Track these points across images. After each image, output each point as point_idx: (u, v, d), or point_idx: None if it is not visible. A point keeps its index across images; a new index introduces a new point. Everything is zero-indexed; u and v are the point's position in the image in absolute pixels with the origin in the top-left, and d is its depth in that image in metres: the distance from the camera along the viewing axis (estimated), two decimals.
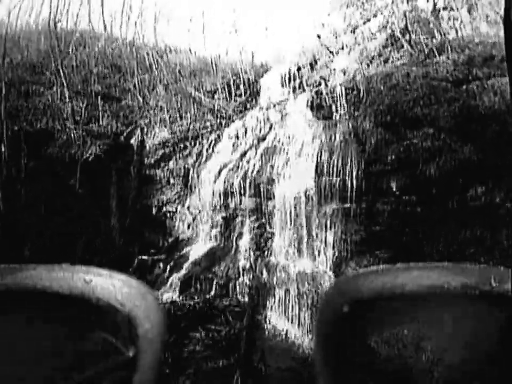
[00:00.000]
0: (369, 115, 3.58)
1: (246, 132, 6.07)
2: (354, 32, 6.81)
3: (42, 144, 5.83)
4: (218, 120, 7.29)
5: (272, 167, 4.20)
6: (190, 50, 11.15)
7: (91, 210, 5.73)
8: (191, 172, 6.16)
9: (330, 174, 3.57)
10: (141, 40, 10.36)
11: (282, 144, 4.50)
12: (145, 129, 7.88)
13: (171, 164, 6.92)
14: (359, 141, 3.55)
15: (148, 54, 9.82)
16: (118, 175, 6.54)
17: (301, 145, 4.15)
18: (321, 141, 3.89)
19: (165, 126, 7.89)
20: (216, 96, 8.98)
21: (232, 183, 4.40)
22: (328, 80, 8.51)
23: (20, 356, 0.30)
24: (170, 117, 8.06)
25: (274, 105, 7.23)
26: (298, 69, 9.31)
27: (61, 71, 6.82)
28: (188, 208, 5.78)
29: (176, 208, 6.04)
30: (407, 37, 4.78)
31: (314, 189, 3.59)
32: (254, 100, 9.25)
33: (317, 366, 0.27)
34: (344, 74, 7.57)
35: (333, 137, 3.82)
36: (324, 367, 0.28)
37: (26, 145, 5.59)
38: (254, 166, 4.44)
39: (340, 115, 4.36)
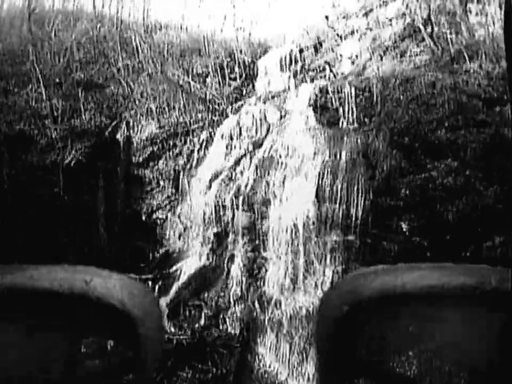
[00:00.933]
0: (383, 132, 3.04)
1: (240, 132, 5.54)
2: (367, 16, 5.91)
3: (23, 149, 5.36)
4: (210, 115, 6.72)
5: (267, 184, 3.76)
6: (181, 26, 10.16)
7: (78, 219, 5.42)
8: (181, 175, 5.80)
9: (333, 200, 3.14)
10: (131, 17, 9.42)
11: (279, 156, 4.01)
12: (131, 123, 7.38)
13: (160, 163, 6.56)
14: (368, 164, 3.05)
15: (135, 33, 8.96)
16: (105, 177, 6.15)
17: (301, 160, 3.67)
18: (324, 158, 3.39)
19: (152, 119, 7.38)
20: (208, 80, 8.28)
21: (224, 199, 4.00)
22: (333, 66, 7.74)
23: (20, 355, 0.30)
24: (158, 107, 7.50)
25: (273, 97, 6.63)
26: (301, 51, 8.50)
27: (35, 63, 6.06)
28: (179, 216, 5.48)
29: (167, 216, 5.74)
30: (429, 29, 3.98)
31: (314, 215, 3.20)
32: (250, 85, 8.58)
33: (318, 366, 0.28)
34: (353, 63, 6.78)
35: (338, 155, 3.31)
36: (324, 367, 0.28)
37: (7, 151, 5.14)
38: (248, 179, 3.99)
39: (348, 121, 3.79)
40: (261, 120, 5.28)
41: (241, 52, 8.87)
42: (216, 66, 8.50)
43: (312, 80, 8.15)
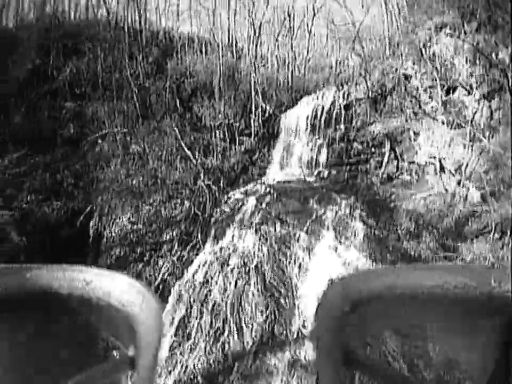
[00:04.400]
0: None
1: (205, 298, 3.75)
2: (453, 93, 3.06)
3: None
4: (192, 218, 5.15)
5: None
6: (199, 50, 8.40)
7: None
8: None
9: None
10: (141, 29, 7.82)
11: None
12: (105, 210, 6.26)
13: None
14: None
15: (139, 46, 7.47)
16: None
17: None
18: None
19: (130, 207, 6.11)
20: (215, 137, 6.47)
21: None
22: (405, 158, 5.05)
23: (20, 355, 0.31)
24: (138, 186, 6.20)
25: (279, 239, 4.76)
26: (344, 108, 6.01)
27: None
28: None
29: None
30: None
31: None
32: (266, 147, 6.55)
33: (318, 367, 0.28)
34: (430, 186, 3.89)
35: None
36: (324, 368, 0.28)
37: None
38: None
39: None
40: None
41: (263, 96, 6.58)
42: (227, 120, 6.51)
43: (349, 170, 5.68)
